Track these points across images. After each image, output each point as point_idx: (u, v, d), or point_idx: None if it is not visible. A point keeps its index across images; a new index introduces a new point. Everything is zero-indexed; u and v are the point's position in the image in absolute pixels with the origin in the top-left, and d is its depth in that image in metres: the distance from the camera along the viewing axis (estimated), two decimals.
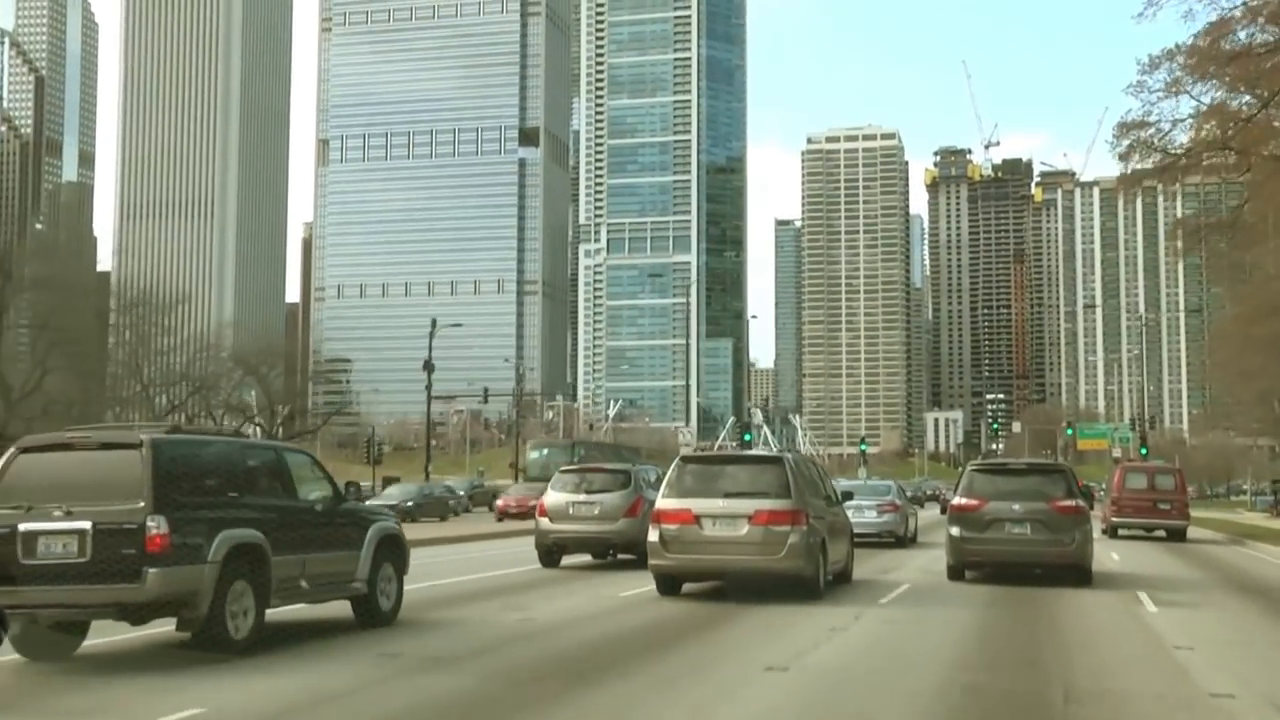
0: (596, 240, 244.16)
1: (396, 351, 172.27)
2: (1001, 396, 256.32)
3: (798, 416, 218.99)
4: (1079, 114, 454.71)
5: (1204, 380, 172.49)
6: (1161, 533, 30.02)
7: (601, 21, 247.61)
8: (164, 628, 9.51)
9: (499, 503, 39.94)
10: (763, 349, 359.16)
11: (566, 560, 18.85)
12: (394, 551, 11.37)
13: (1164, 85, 27.28)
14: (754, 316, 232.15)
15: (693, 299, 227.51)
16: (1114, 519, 29.98)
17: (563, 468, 21.28)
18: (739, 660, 9.27)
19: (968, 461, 30.82)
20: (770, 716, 7.34)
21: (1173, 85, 27.03)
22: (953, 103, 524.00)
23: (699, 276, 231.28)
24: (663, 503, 14.02)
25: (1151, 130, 28.20)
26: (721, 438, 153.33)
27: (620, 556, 18.57)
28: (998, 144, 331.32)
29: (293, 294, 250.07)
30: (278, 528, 9.63)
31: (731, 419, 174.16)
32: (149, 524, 8.42)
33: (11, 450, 9.11)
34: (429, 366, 53.75)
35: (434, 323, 62.31)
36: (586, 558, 19.28)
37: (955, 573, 16.30)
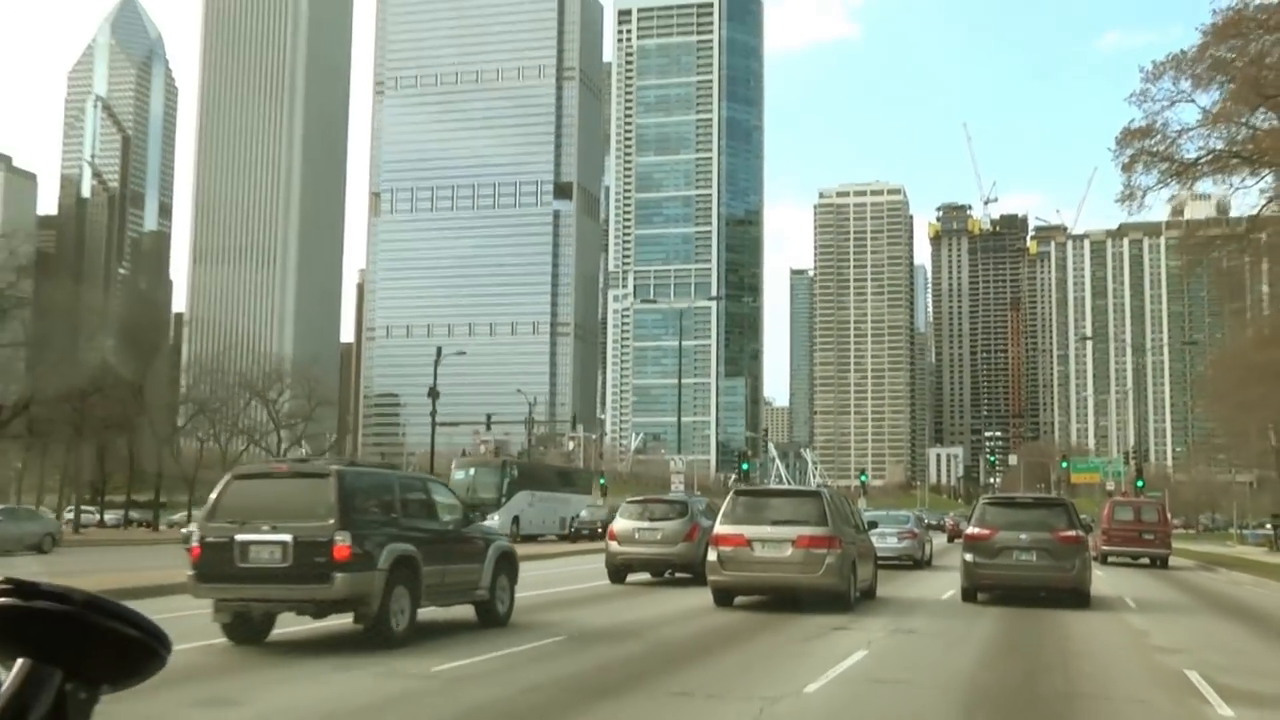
0: (624, 286, 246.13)
1: (439, 387, 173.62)
2: (999, 433, 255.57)
3: (809, 450, 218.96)
4: (1070, 175, 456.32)
5: (1189, 418, 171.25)
6: (1146, 560, 31.00)
7: (630, 85, 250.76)
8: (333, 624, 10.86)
9: None
10: (778, 388, 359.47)
11: (631, 578, 20.04)
12: (508, 565, 12.70)
13: (1168, 95, 24.31)
14: (756, 352, 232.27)
15: (713, 339, 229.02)
16: (1104, 548, 30.81)
17: (628, 499, 22.00)
18: (802, 662, 10.52)
19: (972, 495, 31.52)
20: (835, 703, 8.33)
21: (1181, 74, 23.33)
22: (954, 162, 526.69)
23: (718, 320, 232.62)
24: (720, 529, 15.27)
25: (1156, 138, 25.41)
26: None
27: (678, 575, 19.81)
28: (996, 200, 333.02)
29: (347, 334, 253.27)
30: (426, 543, 10.96)
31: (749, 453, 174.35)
32: (336, 537, 9.81)
33: (227, 477, 10.63)
34: (434, 394, 52.12)
35: (439, 351, 61.13)
36: (646, 576, 20.43)
37: (969, 595, 16.87)
